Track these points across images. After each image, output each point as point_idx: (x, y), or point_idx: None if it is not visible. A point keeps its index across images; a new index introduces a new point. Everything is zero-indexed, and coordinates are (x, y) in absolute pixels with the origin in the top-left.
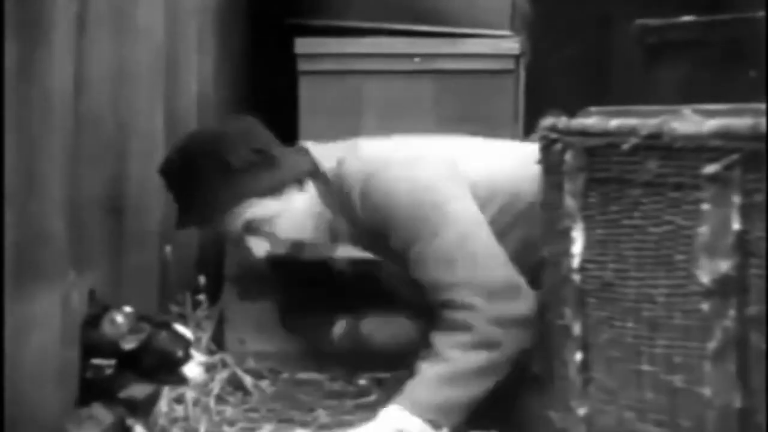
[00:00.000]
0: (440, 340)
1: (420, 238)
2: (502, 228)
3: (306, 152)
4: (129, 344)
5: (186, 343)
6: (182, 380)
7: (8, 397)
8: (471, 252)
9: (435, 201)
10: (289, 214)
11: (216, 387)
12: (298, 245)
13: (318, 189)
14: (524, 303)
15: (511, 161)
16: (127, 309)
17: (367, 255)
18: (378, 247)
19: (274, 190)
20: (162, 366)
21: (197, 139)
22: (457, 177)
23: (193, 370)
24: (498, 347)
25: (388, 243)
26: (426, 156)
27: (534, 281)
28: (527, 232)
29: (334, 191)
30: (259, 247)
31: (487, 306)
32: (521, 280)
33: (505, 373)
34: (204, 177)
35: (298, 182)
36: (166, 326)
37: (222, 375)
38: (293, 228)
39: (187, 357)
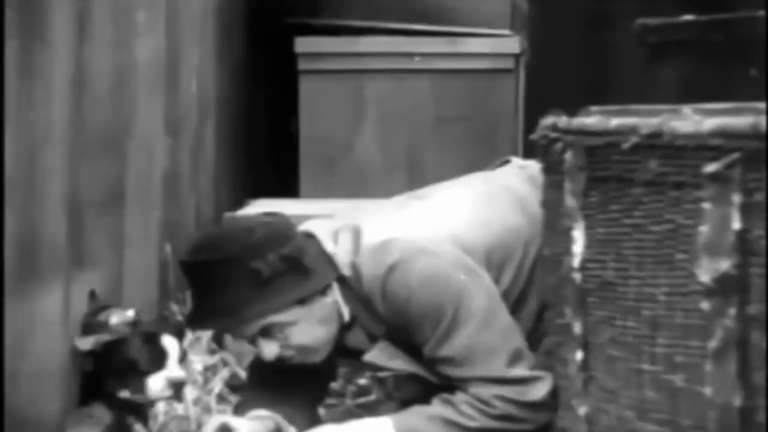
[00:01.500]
0: (461, 397)
1: (434, 338)
2: (524, 281)
3: (319, 245)
4: (84, 345)
5: (158, 356)
6: (142, 390)
7: (8, 397)
8: (484, 352)
9: (450, 301)
10: (306, 322)
11: (217, 386)
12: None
13: (341, 293)
14: (539, 389)
15: (514, 211)
16: (129, 312)
17: (395, 364)
18: (405, 344)
19: (303, 301)
20: (126, 372)
21: (226, 242)
22: (470, 263)
23: (157, 382)
24: (516, 422)
25: (412, 340)
26: (437, 244)
27: None
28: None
29: (354, 293)
30: (270, 351)
31: (503, 391)
32: (533, 372)
33: None
34: (232, 287)
35: (323, 290)
36: (149, 336)
37: (222, 374)
38: (307, 335)
39: (154, 369)
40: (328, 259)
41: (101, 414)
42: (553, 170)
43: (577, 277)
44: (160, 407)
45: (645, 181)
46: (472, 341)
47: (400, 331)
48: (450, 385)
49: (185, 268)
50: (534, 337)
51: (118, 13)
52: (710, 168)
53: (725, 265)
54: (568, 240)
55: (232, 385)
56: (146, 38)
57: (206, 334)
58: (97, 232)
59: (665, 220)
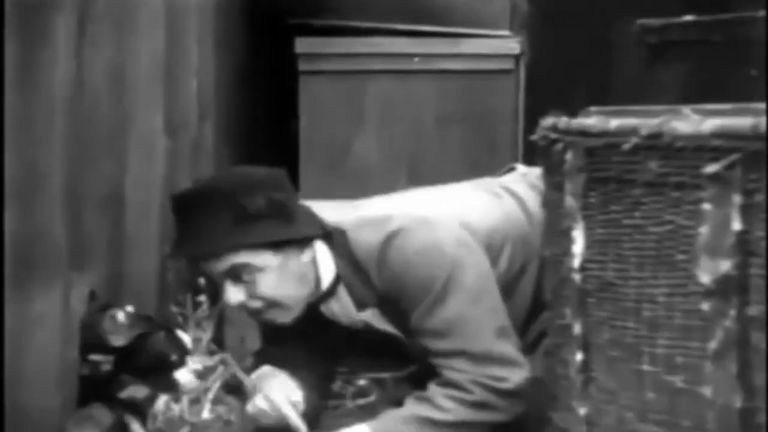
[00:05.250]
0: (436, 389)
1: (422, 307)
2: (516, 272)
3: (314, 214)
4: (119, 341)
5: (182, 349)
6: (173, 385)
7: (8, 397)
8: (470, 325)
9: (443, 271)
10: (276, 273)
11: (214, 387)
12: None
13: (333, 258)
14: (518, 375)
15: (515, 207)
16: (129, 308)
17: (387, 327)
18: (393, 313)
19: (277, 245)
20: (155, 367)
21: (220, 178)
22: (468, 239)
23: (184, 375)
24: (492, 411)
25: (402, 311)
26: (439, 218)
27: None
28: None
29: (345, 258)
30: (235, 297)
31: (480, 375)
32: (517, 354)
33: None
34: (214, 218)
35: (302, 244)
36: (166, 329)
37: (221, 375)
38: (275, 287)
39: (182, 362)
40: (317, 222)
41: (101, 415)
42: (553, 171)
43: (577, 277)
44: (159, 407)
45: (645, 181)
46: (459, 314)
47: (392, 302)
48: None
49: (175, 201)
50: (525, 335)
51: (118, 13)
52: (710, 169)
53: (725, 265)
54: (568, 241)
55: (230, 386)
56: (146, 38)
57: (206, 335)
58: (96, 232)
59: (665, 220)
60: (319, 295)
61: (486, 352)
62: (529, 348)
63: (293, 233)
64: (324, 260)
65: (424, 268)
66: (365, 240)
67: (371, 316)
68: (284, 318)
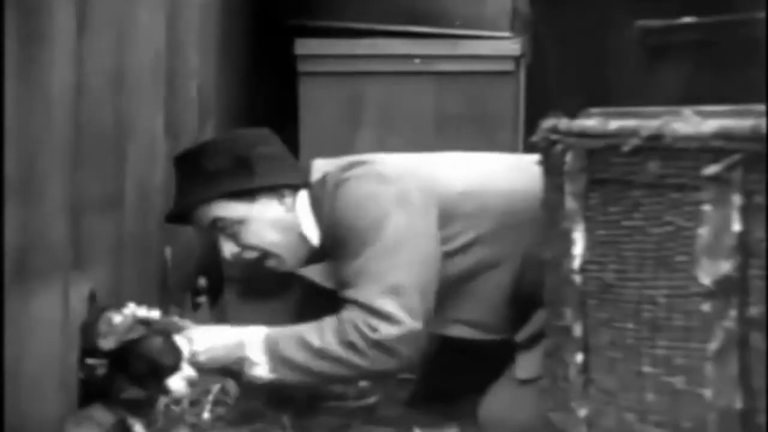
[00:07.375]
0: (329, 320)
1: (344, 256)
2: (501, 245)
3: (303, 168)
4: (108, 344)
5: (177, 356)
6: (165, 391)
7: (8, 399)
8: (368, 276)
9: (369, 221)
10: (255, 222)
11: (215, 388)
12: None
13: (310, 204)
14: (390, 330)
15: (508, 176)
16: (127, 310)
17: (323, 282)
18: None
19: (243, 195)
20: (148, 372)
21: (197, 144)
22: (416, 199)
23: (177, 382)
24: (356, 354)
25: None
26: (395, 173)
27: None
28: (527, 249)
29: (316, 208)
30: (228, 249)
31: (359, 320)
32: (399, 312)
33: (353, 380)
34: (186, 181)
35: (276, 193)
36: (164, 334)
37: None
38: (256, 235)
39: (175, 369)
40: (291, 172)
41: (102, 415)
42: (553, 172)
43: (577, 279)
44: (160, 409)
45: (645, 183)
46: (366, 264)
47: (329, 245)
48: None
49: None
50: (517, 328)
51: (118, 14)
52: (710, 170)
53: (725, 267)
54: (568, 242)
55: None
56: (146, 40)
57: None
58: (97, 234)
59: (665, 222)
60: (310, 246)
61: (368, 303)
62: (528, 342)
63: (253, 183)
64: (304, 210)
65: (353, 218)
66: (328, 185)
67: (313, 272)
68: (281, 266)
